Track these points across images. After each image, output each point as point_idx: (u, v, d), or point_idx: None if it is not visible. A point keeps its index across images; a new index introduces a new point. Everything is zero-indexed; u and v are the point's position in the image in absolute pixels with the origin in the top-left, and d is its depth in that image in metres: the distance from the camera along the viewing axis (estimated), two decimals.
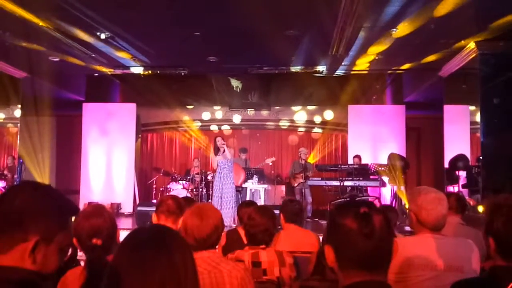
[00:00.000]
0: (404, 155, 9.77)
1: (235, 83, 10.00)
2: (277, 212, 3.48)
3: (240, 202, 7.18)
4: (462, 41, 7.08)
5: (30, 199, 1.22)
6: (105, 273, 1.12)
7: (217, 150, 8.20)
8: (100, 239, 2.06)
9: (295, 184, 9.70)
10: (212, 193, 10.19)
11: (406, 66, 8.70)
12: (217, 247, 2.44)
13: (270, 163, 10.36)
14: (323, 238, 2.37)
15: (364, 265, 1.29)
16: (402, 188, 8.78)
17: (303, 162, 9.70)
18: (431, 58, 8.01)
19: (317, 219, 9.36)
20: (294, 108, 12.21)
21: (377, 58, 8.07)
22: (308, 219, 9.36)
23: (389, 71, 9.33)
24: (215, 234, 2.29)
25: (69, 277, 2.09)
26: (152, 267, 1.08)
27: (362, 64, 8.56)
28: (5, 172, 9.83)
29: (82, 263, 2.06)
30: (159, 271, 1.08)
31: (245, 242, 2.96)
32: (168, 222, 2.82)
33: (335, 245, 1.34)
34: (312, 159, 11.76)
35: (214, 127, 12.55)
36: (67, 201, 1.30)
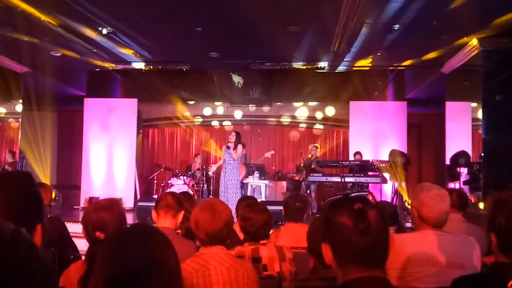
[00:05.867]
0: (405, 151, 9.75)
1: (237, 79, 9.96)
2: (280, 208, 3.48)
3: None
4: (465, 38, 7.04)
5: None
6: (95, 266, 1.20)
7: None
8: (104, 233, 2.06)
9: (298, 178, 9.69)
10: (213, 188, 10.25)
11: (408, 62, 8.68)
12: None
13: (270, 156, 10.36)
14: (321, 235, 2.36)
15: (361, 261, 1.28)
16: (403, 184, 8.77)
17: (313, 158, 9.68)
18: (433, 54, 7.97)
19: (317, 216, 9.36)
20: (296, 104, 12.16)
21: (379, 54, 8.04)
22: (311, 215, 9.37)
23: (391, 68, 9.31)
24: (226, 229, 2.30)
25: (72, 269, 2.12)
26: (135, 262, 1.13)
27: (364, 60, 8.54)
28: (6, 167, 9.83)
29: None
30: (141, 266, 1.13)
31: (241, 238, 2.96)
32: (167, 217, 2.81)
33: (332, 243, 1.33)
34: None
35: (215, 123, 12.53)
36: None
